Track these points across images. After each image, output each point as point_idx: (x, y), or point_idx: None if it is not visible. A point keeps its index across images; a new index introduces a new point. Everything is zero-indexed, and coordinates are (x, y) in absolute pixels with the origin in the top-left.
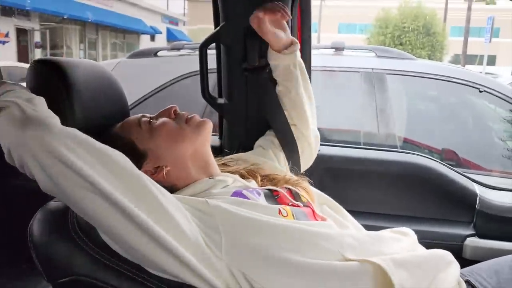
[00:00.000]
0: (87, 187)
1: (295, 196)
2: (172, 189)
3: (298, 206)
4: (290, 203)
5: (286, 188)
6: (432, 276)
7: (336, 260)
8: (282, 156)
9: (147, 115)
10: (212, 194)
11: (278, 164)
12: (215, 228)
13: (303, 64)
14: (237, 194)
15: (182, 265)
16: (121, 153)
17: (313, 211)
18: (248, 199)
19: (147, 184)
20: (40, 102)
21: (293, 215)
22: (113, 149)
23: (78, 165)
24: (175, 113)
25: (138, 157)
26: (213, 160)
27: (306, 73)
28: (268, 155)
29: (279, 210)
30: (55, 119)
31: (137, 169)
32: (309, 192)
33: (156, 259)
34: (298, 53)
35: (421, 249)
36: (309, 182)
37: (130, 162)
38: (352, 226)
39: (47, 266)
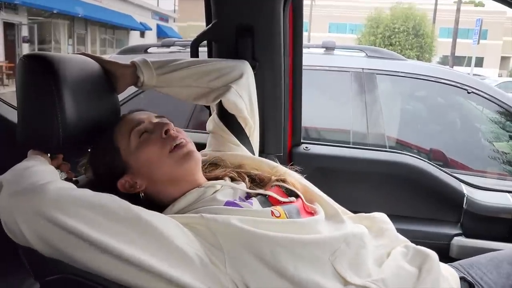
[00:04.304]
0: (91, 248)
1: (286, 191)
2: (161, 205)
3: (290, 202)
4: (282, 202)
5: (275, 185)
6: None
7: (328, 272)
8: (229, 134)
9: (144, 123)
10: (206, 201)
11: (234, 145)
12: (216, 244)
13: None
14: (230, 203)
15: None
16: (119, 199)
17: (303, 203)
18: (242, 207)
19: (153, 224)
20: (34, 170)
21: (285, 214)
22: (112, 197)
23: (78, 228)
24: (167, 133)
25: (117, 169)
26: (199, 174)
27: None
28: (223, 144)
29: (272, 212)
30: (48, 184)
31: (141, 210)
32: (296, 182)
33: None
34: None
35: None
36: (296, 170)
37: (131, 205)
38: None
39: (34, 264)
